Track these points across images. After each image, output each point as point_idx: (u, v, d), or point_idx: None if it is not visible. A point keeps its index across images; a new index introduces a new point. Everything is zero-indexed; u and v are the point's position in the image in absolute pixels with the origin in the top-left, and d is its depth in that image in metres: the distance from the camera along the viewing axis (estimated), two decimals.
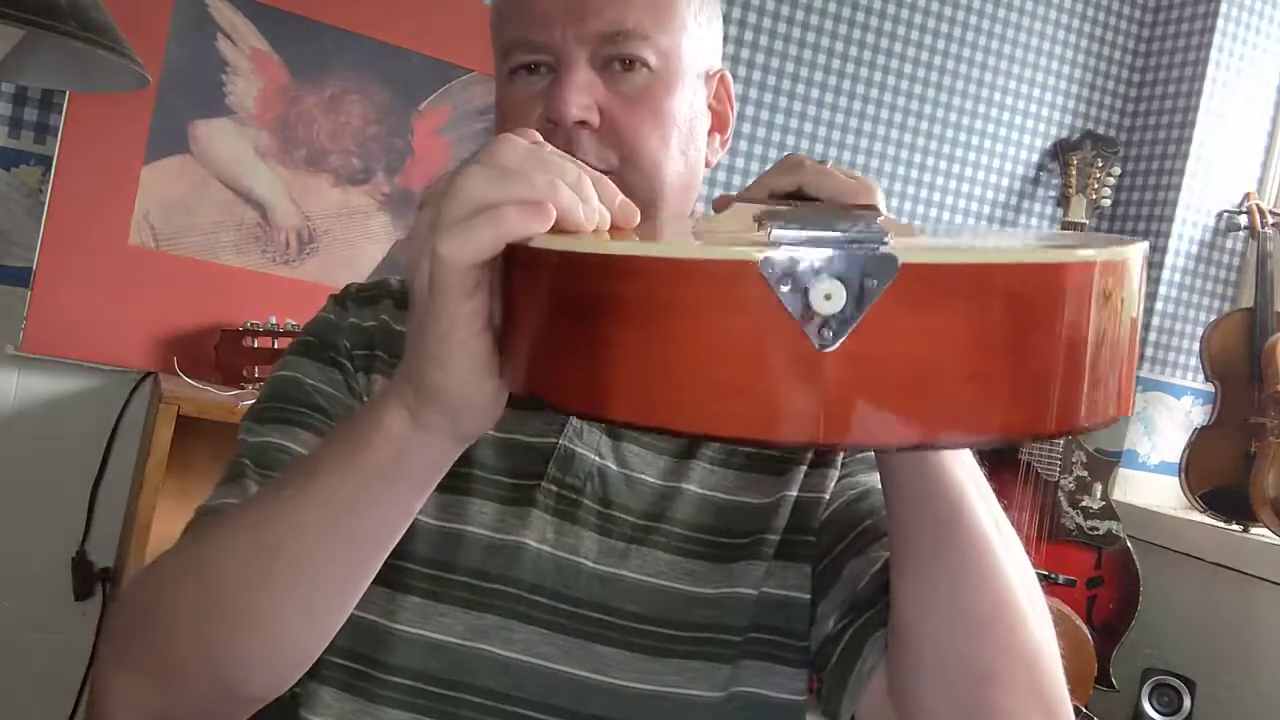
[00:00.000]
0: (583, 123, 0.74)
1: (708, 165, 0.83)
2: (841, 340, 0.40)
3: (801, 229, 0.41)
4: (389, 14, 1.91)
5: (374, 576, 0.62)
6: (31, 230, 1.72)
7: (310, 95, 1.88)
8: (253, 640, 0.60)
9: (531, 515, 0.76)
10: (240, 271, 1.82)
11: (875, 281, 0.39)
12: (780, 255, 0.40)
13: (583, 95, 0.73)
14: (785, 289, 0.40)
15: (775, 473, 0.80)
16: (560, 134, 0.74)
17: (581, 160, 0.72)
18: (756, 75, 2.24)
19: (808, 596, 0.77)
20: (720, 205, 0.69)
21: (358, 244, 1.94)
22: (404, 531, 0.61)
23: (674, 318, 0.41)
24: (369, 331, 0.81)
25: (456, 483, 0.76)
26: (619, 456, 0.79)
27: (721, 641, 0.75)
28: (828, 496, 0.78)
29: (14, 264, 1.73)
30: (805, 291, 0.40)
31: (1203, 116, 2.44)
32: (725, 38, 2.26)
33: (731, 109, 0.86)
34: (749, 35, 2.24)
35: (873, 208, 0.59)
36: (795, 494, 0.78)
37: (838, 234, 0.40)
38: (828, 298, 0.39)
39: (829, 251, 0.40)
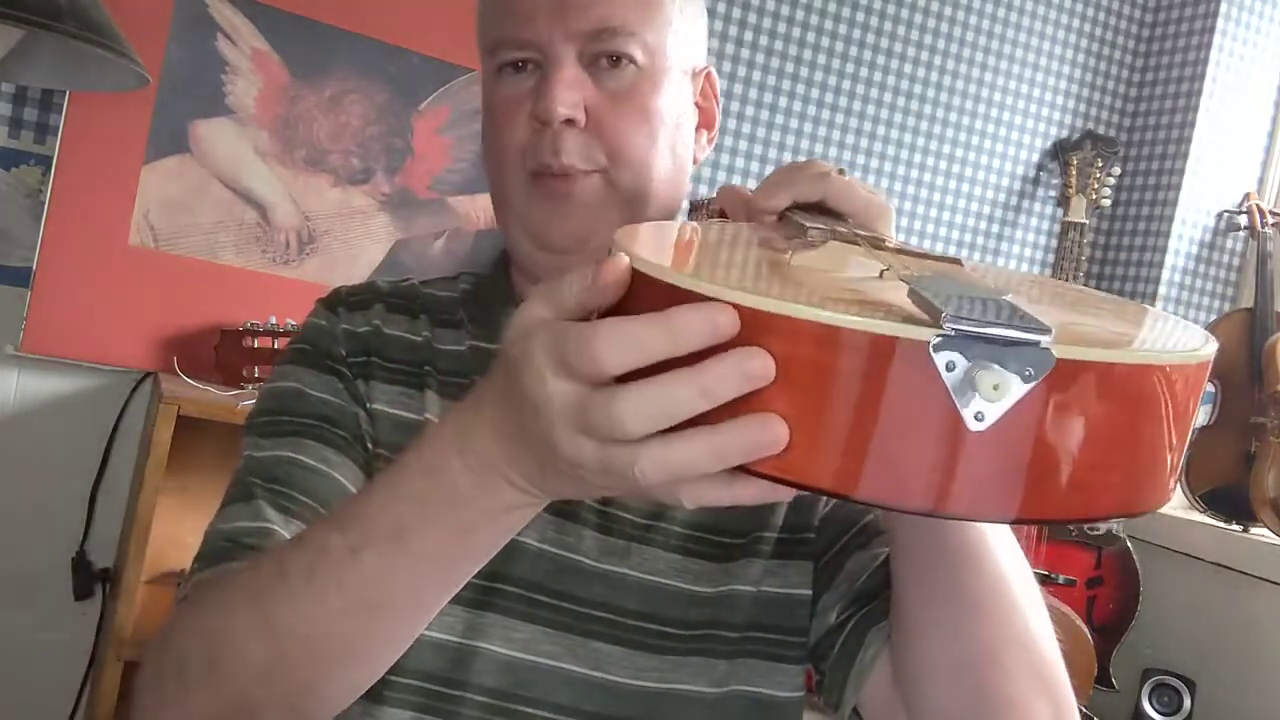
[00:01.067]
0: (570, 121, 0.74)
1: (695, 162, 0.83)
2: (992, 422, 0.41)
3: (972, 320, 0.42)
4: (389, 14, 1.91)
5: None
6: (31, 230, 1.72)
7: (310, 95, 1.88)
8: (345, 681, 0.60)
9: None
10: (240, 271, 1.82)
11: (1033, 373, 0.41)
12: (953, 343, 0.41)
13: (570, 94, 0.73)
14: (950, 372, 0.41)
15: None
16: (548, 134, 0.74)
17: (568, 162, 0.74)
18: (756, 75, 2.24)
19: (808, 593, 0.77)
20: (726, 198, 0.69)
21: (357, 244, 1.94)
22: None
23: (834, 382, 0.42)
24: (363, 337, 0.80)
25: None
26: None
27: (720, 639, 0.75)
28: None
29: (14, 264, 1.73)
30: (973, 380, 0.41)
31: (1203, 116, 2.44)
32: (724, 37, 2.27)
33: (718, 106, 0.86)
34: (748, 35, 2.24)
35: (886, 242, 0.60)
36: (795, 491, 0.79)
37: (1008, 331, 0.42)
38: (995, 388, 0.41)
39: (999, 347, 0.41)
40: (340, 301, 0.83)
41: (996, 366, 0.41)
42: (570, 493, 0.50)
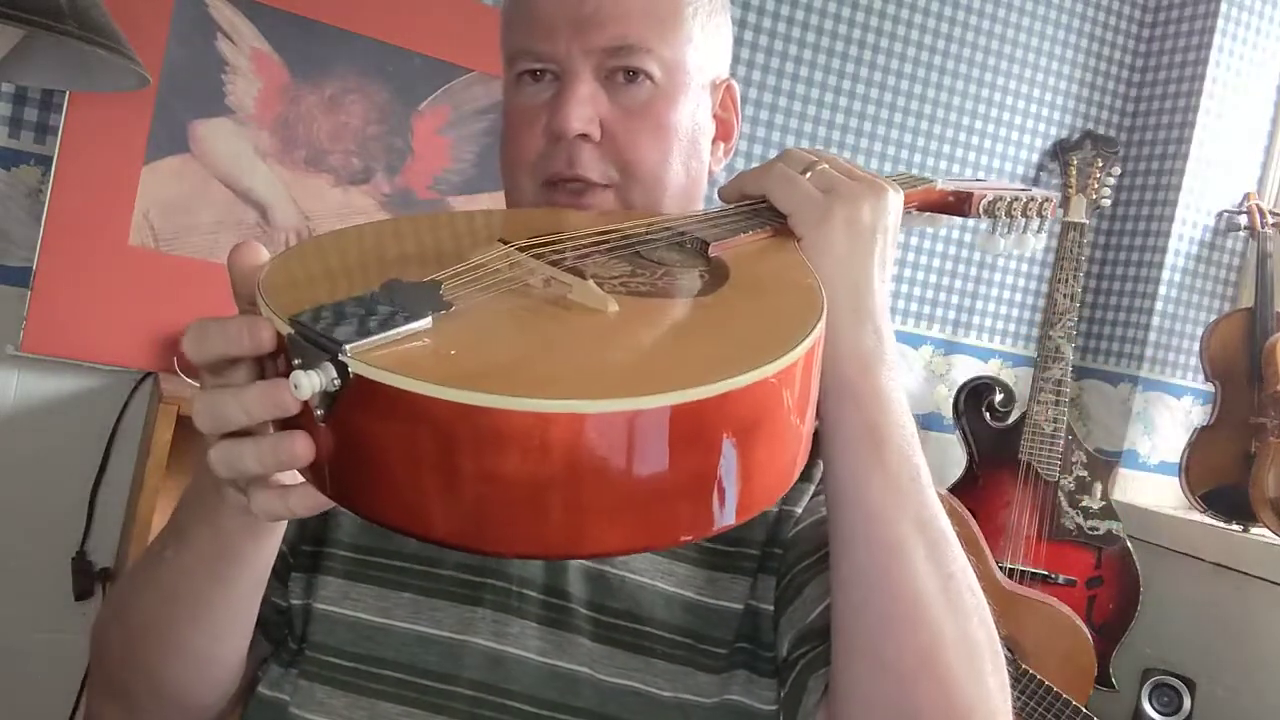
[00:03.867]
0: (584, 136, 0.75)
1: (710, 175, 0.84)
2: (327, 419, 0.46)
3: (309, 327, 0.46)
4: (389, 14, 1.91)
5: (264, 586, 0.69)
6: (31, 230, 1.72)
7: (310, 95, 1.88)
8: (175, 663, 0.70)
9: None
10: None
11: (338, 379, 0.44)
12: (298, 346, 0.46)
13: (585, 109, 0.74)
14: (296, 364, 0.46)
15: None
16: (562, 146, 0.75)
17: (583, 175, 0.75)
18: (756, 75, 2.24)
19: (769, 608, 0.76)
20: (723, 194, 0.72)
21: None
22: (274, 553, 0.67)
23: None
24: None
25: None
26: None
27: (709, 653, 0.75)
28: (799, 511, 0.77)
29: (14, 264, 1.73)
30: (291, 371, 0.45)
31: (1203, 116, 2.44)
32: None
33: (737, 118, 0.87)
34: (749, 35, 2.24)
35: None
36: (778, 507, 0.78)
37: (325, 335, 0.45)
38: (296, 384, 0.44)
39: (315, 347, 0.45)
40: None
41: (300, 365, 0.45)
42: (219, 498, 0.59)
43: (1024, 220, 0.87)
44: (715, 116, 0.83)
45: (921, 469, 0.63)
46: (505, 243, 0.60)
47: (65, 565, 1.78)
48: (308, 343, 0.45)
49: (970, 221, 2.66)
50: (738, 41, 2.22)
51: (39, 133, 1.74)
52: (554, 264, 0.57)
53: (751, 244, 0.65)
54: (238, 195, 1.84)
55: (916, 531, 0.61)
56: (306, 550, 0.78)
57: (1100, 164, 2.38)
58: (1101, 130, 2.55)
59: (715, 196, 0.74)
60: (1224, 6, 2.44)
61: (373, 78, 1.91)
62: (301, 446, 0.48)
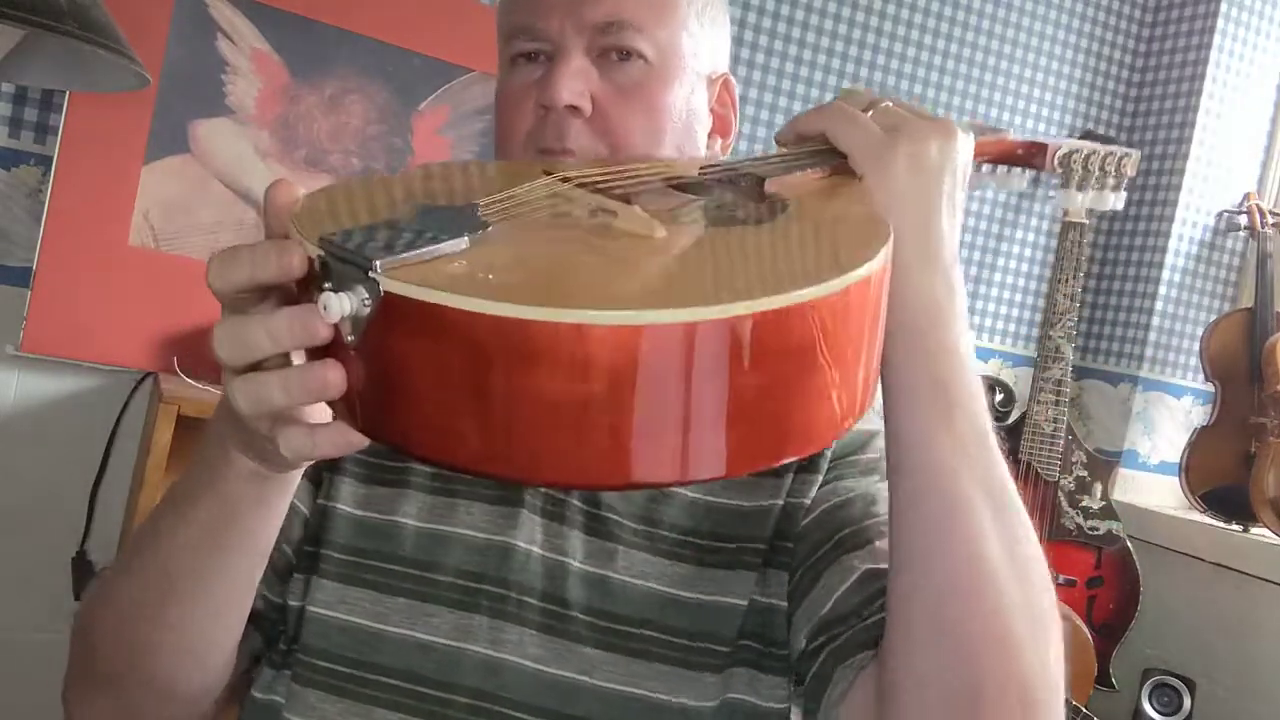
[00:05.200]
0: (575, 109, 0.74)
1: None
2: (358, 344, 0.43)
3: (340, 245, 0.43)
4: (389, 14, 1.91)
5: (264, 565, 0.68)
6: (31, 230, 1.72)
7: (310, 95, 1.88)
8: (168, 643, 0.68)
9: (520, 516, 0.76)
10: None
11: (370, 301, 0.42)
12: (327, 269, 0.44)
13: (575, 82, 0.74)
14: (327, 288, 0.43)
15: (772, 474, 0.77)
16: (552, 119, 0.74)
17: (572, 148, 0.74)
18: (756, 75, 2.24)
19: (784, 604, 0.75)
20: (780, 138, 0.68)
21: None
22: (279, 526, 0.65)
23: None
24: None
25: (443, 484, 0.77)
26: None
27: (710, 651, 0.74)
28: (809, 502, 0.76)
29: (14, 264, 1.73)
30: (320, 294, 0.43)
31: (1203, 116, 2.44)
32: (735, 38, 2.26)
33: (735, 115, 0.86)
34: (748, 35, 2.24)
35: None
36: (783, 501, 0.76)
37: (354, 251, 0.42)
38: (327, 306, 0.42)
39: (344, 265, 0.42)
40: None
41: (329, 287, 0.43)
42: (243, 441, 0.56)
43: (1101, 175, 0.82)
44: (713, 111, 0.83)
45: (989, 434, 0.60)
46: (549, 174, 0.57)
47: (65, 565, 1.78)
48: (338, 262, 0.43)
49: (970, 220, 2.65)
50: (737, 41, 2.22)
51: (39, 133, 1.74)
52: (599, 194, 0.53)
53: (810, 183, 0.61)
54: (238, 195, 1.84)
55: (984, 495, 0.59)
56: (307, 551, 0.77)
57: None
58: (1101, 130, 2.55)
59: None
60: (1224, 6, 2.44)
61: (373, 78, 1.91)
62: (333, 375, 0.45)
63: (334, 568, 0.76)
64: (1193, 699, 2.20)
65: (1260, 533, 2.23)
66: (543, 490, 0.76)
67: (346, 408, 0.46)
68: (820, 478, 0.77)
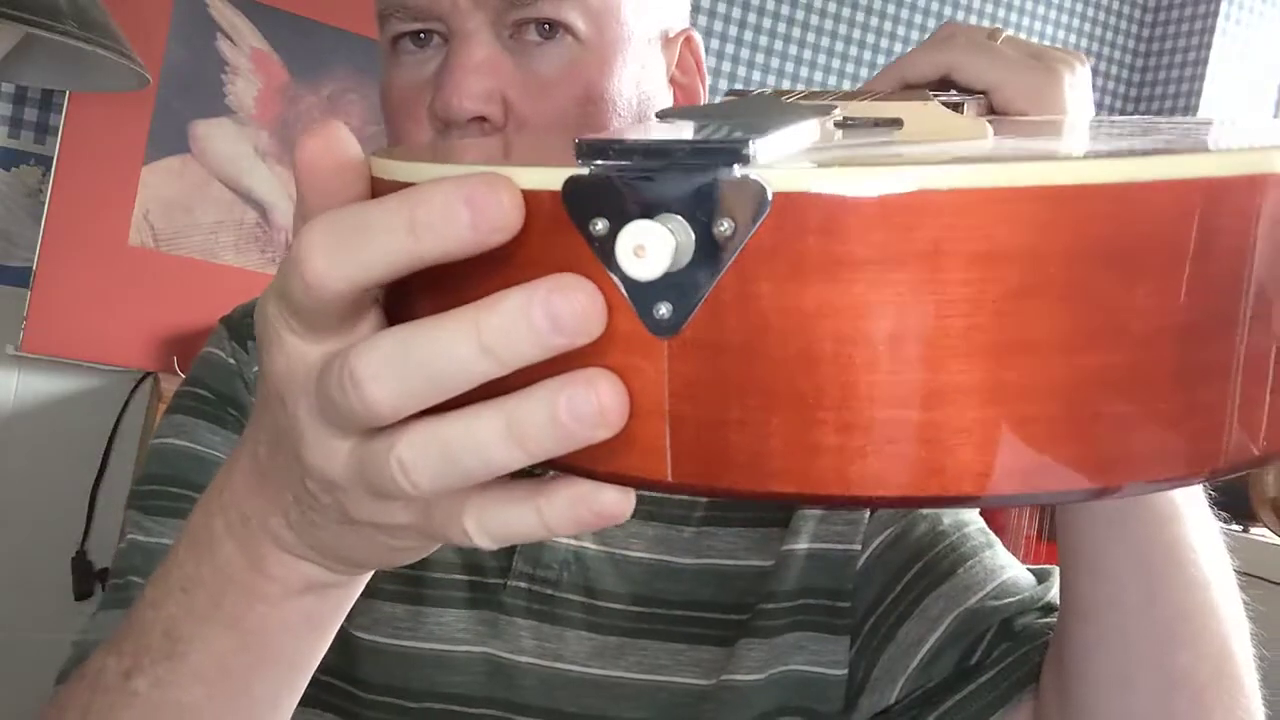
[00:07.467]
0: (482, 119, 0.53)
1: None
2: (684, 324, 0.23)
3: (652, 136, 0.25)
4: None
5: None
6: (31, 230, 1.72)
7: (310, 95, 1.88)
8: None
9: (500, 621, 0.61)
10: (240, 271, 1.82)
11: (729, 226, 0.23)
12: (585, 181, 0.24)
13: (479, 81, 0.53)
14: (600, 234, 0.24)
15: (781, 523, 0.64)
16: (454, 136, 0.54)
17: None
18: (756, 75, 2.24)
19: (840, 672, 0.62)
20: (874, 88, 0.54)
21: None
22: (322, 654, 0.40)
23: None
24: None
25: (408, 589, 0.61)
26: (598, 533, 0.62)
27: (765, 611, 0.62)
28: (859, 545, 0.63)
29: (14, 264, 1.73)
30: (613, 243, 0.23)
31: (1203, 117, 2.45)
32: (723, 37, 2.27)
33: (703, 80, 0.64)
34: (748, 35, 2.24)
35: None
36: (806, 546, 0.63)
37: (679, 141, 0.24)
38: (638, 253, 0.23)
39: (651, 178, 0.23)
40: (250, 332, 0.62)
41: (638, 215, 0.23)
42: (348, 545, 0.33)
43: None
44: (672, 81, 0.62)
45: None
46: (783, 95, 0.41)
47: (65, 565, 1.78)
48: (638, 178, 0.23)
49: None
50: (737, 41, 2.22)
51: (39, 133, 1.74)
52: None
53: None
54: (238, 195, 1.84)
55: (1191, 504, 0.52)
56: None
57: None
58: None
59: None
60: (1224, 6, 2.44)
61: (372, 78, 1.91)
62: (618, 390, 0.24)
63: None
64: None
65: (1260, 533, 2.23)
66: (525, 587, 0.62)
67: (637, 449, 0.25)
68: (866, 513, 0.65)
